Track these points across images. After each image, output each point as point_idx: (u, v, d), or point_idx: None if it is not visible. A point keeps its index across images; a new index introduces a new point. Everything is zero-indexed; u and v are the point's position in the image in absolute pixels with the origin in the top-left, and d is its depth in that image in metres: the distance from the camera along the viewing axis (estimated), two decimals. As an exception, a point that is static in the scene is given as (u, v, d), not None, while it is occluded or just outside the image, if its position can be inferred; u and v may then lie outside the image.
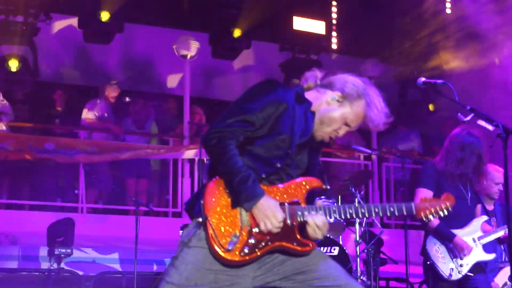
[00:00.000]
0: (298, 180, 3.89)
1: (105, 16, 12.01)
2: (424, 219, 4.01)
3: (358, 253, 7.95)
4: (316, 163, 4.10)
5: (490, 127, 4.71)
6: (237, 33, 12.95)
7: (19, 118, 11.65)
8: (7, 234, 9.73)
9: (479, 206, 6.66)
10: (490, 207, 7.33)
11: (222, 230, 3.70)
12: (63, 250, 8.53)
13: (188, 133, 12.27)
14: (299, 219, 3.80)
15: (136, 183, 11.63)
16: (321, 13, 13.46)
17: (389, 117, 4.04)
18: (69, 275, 8.63)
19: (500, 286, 7.14)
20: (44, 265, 8.93)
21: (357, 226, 8.04)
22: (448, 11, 12.75)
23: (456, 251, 6.35)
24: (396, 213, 3.93)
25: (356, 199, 8.12)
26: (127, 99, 12.93)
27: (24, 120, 12.00)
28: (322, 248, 7.67)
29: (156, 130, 12.34)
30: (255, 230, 3.73)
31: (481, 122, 4.83)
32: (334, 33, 13.64)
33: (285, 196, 3.83)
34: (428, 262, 6.40)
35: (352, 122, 3.99)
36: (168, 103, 13.43)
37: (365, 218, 8.22)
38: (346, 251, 7.79)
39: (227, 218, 3.73)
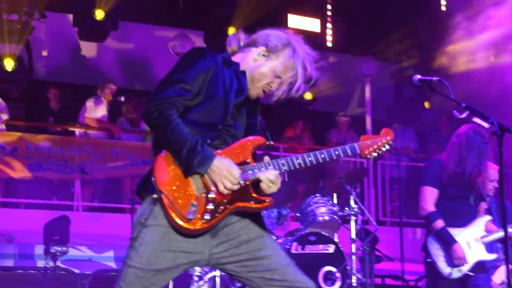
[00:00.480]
0: (242, 140, 3.88)
1: (99, 14, 12.00)
2: (368, 156, 4.01)
3: (353, 251, 7.95)
4: (256, 122, 4.08)
5: (485, 125, 4.73)
6: (231, 31, 12.94)
7: (14, 117, 11.64)
8: (3, 232, 9.73)
9: (482, 204, 6.64)
10: (485, 205, 7.34)
11: (179, 201, 3.66)
12: (59, 248, 8.52)
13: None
14: (251, 178, 3.78)
15: (131, 181, 11.63)
16: (316, 10, 13.48)
17: (317, 61, 4.05)
18: (65, 273, 8.63)
19: (498, 283, 7.15)
20: (40, 263, 8.94)
21: (352, 223, 8.03)
22: (443, 8, 12.73)
23: (452, 257, 6.34)
24: (342, 155, 3.92)
25: (352, 197, 8.12)
26: (122, 98, 12.91)
27: (19, 118, 12.00)
28: (318, 246, 7.69)
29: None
30: (211, 195, 3.70)
31: (477, 120, 4.85)
32: (329, 31, 13.66)
33: (232, 157, 3.80)
34: (429, 260, 6.39)
35: (282, 73, 3.99)
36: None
37: (360, 216, 8.24)
38: (341, 248, 7.79)
39: (181, 189, 3.69)
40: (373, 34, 13.65)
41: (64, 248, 8.56)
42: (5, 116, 11.09)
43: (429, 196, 6.44)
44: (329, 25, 13.59)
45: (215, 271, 7.46)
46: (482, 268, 6.43)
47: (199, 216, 3.67)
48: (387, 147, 4.04)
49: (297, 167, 3.87)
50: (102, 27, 12.39)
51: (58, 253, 8.53)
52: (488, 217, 6.54)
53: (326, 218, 7.95)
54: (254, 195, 3.79)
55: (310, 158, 3.88)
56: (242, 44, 4.10)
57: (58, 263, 8.59)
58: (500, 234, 6.48)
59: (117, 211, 11.42)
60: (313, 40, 13.43)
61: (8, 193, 11.39)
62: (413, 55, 13.64)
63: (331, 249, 7.75)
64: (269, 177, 3.78)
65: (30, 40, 12.43)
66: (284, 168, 3.84)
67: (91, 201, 11.70)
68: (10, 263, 9.22)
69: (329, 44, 13.70)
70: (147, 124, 3.77)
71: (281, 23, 12.93)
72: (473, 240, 6.41)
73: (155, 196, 3.68)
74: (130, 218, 8.47)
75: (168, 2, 13.54)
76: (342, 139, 12.85)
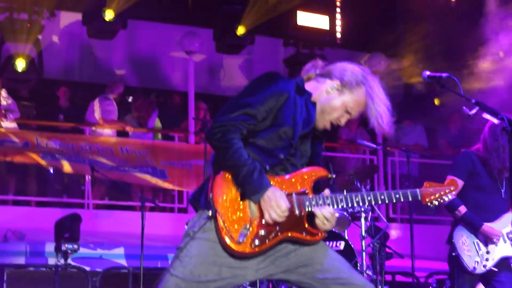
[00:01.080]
0: (304, 170, 3.92)
1: (109, 14, 12.01)
2: (429, 204, 4.00)
3: (363, 248, 7.95)
4: (320, 152, 4.12)
5: (495, 121, 4.71)
6: (241, 30, 12.95)
7: (24, 116, 11.68)
8: (14, 230, 9.76)
9: None
10: None
11: (232, 223, 3.72)
12: (70, 246, 8.55)
13: (193, 129, 12.30)
14: (307, 209, 3.82)
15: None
16: (325, 7, 13.46)
17: (390, 108, 4.00)
18: (76, 271, 8.66)
19: None
20: (51, 260, 8.97)
21: (362, 220, 8.03)
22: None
23: (484, 239, 6.24)
24: (402, 199, 3.94)
25: (361, 193, 8.11)
26: (130, 99, 12.92)
27: (29, 117, 12.04)
28: (328, 243, 7.69)
29: (160, 126, 12.35)
30: (263, 222, 3.75)
31: (486, 116, 4.83)
32: (338, 28, 13.64)
33: (292, 186, 3.84)
34: (454, 254, 6.32)
35: (353, 109, 4.00)
36: (173, 99, 13.46)
37: (370, 213, 8.23)
38: (352, 245, 7.79)
39: (236, 211, 3.74)
40: (383, 30, 13.62)
41: (75, 246, 8.59)
42: (15, 115, 11.12)
43: None
44: (338, 22, 13.56)
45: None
46: (506, 266, 6.32)
47: (249, 240, 3.73)
48: (450, 197, 4.02)
49: (355, 205, 3.92)
50: (111, 26, 12.40)
51: (69, 251, 8.56)
52: None
53: (336, 215, 7.95)
54: (306, 226, 3.83)
55: (369, 198, 3.91)
56: (318, 72, 4.10)
57: (69, 261, 8.62)
58: None
59: (128, 209, 11.44)
60: (322, 37, 13.45)
61: (19, 191, 11.43)
62: (423, 51, 13.60)
63: (341, 246, 7.76)
64: (325, 213, 3.82)
65: (40, 39, 12.45)
66: (342, 204, 3.89)
67: (102, 199, 11.73)
68: (21, 260, 9.26)
69: (338, 41, 13.67)
70: (209, 143, 3.81)
71: (290, 20, 12.92)
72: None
73: (209, 213, 3.72)
74: (140, 215, 8.47)
75: (177, 0, 13.54)
76: (351, 136, 12.83)
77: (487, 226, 6.23)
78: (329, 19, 13.37)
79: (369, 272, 7.85)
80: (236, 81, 14.92)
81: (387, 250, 8.75)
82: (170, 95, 13.75)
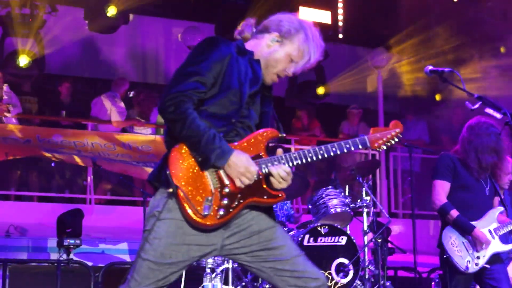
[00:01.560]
0: (256, 133, 3.91)
1: (112, 10, 12.01)
2: (378, 149, 4.06)
3: (366, 243, 7.95)
4: (270, 111, 4.10)
5: (498, 115, 4.72)
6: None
7: (26, 111, 11.68)
8: (16, 225, 9.77)
9: (496, 198, 6.62)
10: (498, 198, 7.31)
11: (195, 197, 3.69)
12: (72, 241, 8.54)
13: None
14: (264, 171, 3.81)
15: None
16: (327, 2, 13.44)
17: (324, 49, 4.10)
18: (78, 266, 8.66)
19: None
20: (53, 256, 8.97)
21: (365, 215, 8.04)
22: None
23: (475, 243, 6.32)
24: (352, 148, 3.96)
25: (364, 189, 8.11)
26: (131, 94, 12.92)
27: (32, 112, 12.05)
28: (330, 238, 7.70)
29: (162, 121, 12.33)
30: (226, 190, 3.74)
31: (489, 110, 4.83)
32: (340, 23, 13.62)
33: (246, 151, 3.81)
34: (445, 256, 6.36)
35: (296, 57, 4.02)
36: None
37: (372, 208, 8.23)
38: (354, 240, 7.80)
39: (196, 184, 3.71)
40: (385, 26, 13.61)
41: (77, 241, 8.59)
42: (17, 110, 11.12)
43: (441, 189, 6.43)
44: (340, 17, 13.55)
45: (227, 263, 7.49)
46: (498, 259, 6.38)
47: (214, 211, 3.70)
48: (396, 139, 4.10)
49: (309, 160, 3.90)
50: (114, 21, 12.40)
51: (71, 246, 8.56)
52: (500, 209, 6.51)
53: (338, 210, 7.96)
54: (267, 189, 3.82)
55: (321, 152, 3.91)
56: (254, 30, 4.11)
57: (71, 256, 8.62)
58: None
59: (130, 204, 11.44)
60: (324, 32, 13.40)
61: (21, 186, 11.44)
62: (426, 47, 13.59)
63: (343, 241, 7.76)
64: (281, 173, 3.81)
65: (42, 34, 12.45)
66: (297, 162, 3.87)
67: (104, 194, 11.73)
68: (23, 256, 9.25)
69: (340, 35, 13.65)
70: (163, 117, 3.77)
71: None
72: (487, 233, 6.39)
73: (170, 190, 3.68)
74: (143, 210, 8.49)
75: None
76: (353, 131, 12.82)
77: (478, 230, 6.28)
78: (331, 14, 13.35)
79: (371, 267, 7.85)
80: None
81: (389, 245, 8.74)
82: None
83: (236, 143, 3.83)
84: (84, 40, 13.60)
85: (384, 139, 4.04)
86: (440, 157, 6.64)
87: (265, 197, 3.82)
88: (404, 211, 12.84)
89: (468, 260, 6.27)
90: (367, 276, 7.76)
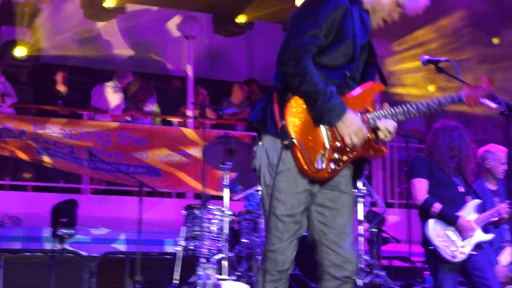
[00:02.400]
0: (364, 87, 4.03)
1: (110, 2, 11.97)
2: (472, 105, 4.13)
3: (361, 233, 7.93)
4: (374, 62, 4.18)
5: (493, 105, 4.69)
6: (240, 17, 12.93)
7: (23, 100, 11.63)
8: (10, 215, 9.74)
9: (469, 197, 6.79)
10: (494, 187, 7.40)
11: (310, 150, 3.81)
12: (67, 231, 8.52)
13: (192, 114, 12.25)
14: (371, 126, 3.96)
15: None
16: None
17: None
18: (72, 256, 8.63)
19: (504, 264, 7.15)
20: (48, 246, 8.94)
21: (360, 205, 8.01)
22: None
23: (461, 232, 6.44)
24: (450, 103, 4.08)
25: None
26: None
27: (28, 102, 12.00)
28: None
29: (159, 111, 12.30)
30: (338, 144, 3.86)
31: (485, 100, 4.80)
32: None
33: (356, 105, 3.95)
34: (430, 247, 6.46)
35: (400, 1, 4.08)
36: (172, 84, 13.40)
37: (368, 197, 8.22)
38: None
39: (311, 137, 3.83)
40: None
41: (72, 231, 8.57)
42: (13, 100, 11.07)
43: (421, 187, 6.66)
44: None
45: (222, 253, 7.47)
46: (480, 248, 6.55)
47: (327, 164, 3.84)
48: (488, 96, 4.18)
49: (412, 116, 4.04)
50: (110, 11, 12.36)
51: (65, 236, 8.53)
52: (477, 201, 6.70)
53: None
54: (373, 144, 3.98)
55: (423, 107, 4.03)
56: None
57: (66, 246, 8.60)
58: (492, 214, 6.67)
59: (125, 194, 11.41)
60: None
61: (15, 176, 11.40)
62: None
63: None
64: (388, 127, 3.96)
65: (38, 23, 12.38)
66: (400, 117, 4.01)
67: (99, 184, 11.69)
68: (17, 245, 9.24)
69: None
70: (282, 71, 3.85)
71: (289, 5, 12.81)
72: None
73: (286, 142, 3.79)
74: (138, 201, 8.44)
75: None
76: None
77: (463, 219, 6.50)
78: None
79: (366, 257, 7.84)
80: (236, 67, 14.86)
81: (384, 235, 8.75)
82: (170, 80, 13.69)
83: (347, 96, 3.94)
84: (80, 29, 13.53)
85: (479, 95, 4.12)
86: (415, 158, 6.92)
87: (371, 151, 4.00)
88: (400, 201, 12.82)
89: (453, 249, 6.40)
90: (362, 266, 7.75)
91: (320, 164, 3.81)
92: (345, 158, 3.90)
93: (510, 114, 4.68)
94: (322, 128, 3.84)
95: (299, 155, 3.79)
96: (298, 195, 3.88)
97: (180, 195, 11.82)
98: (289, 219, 3.89)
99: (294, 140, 3.77)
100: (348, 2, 3.96)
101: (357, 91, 4.00)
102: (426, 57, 4.89)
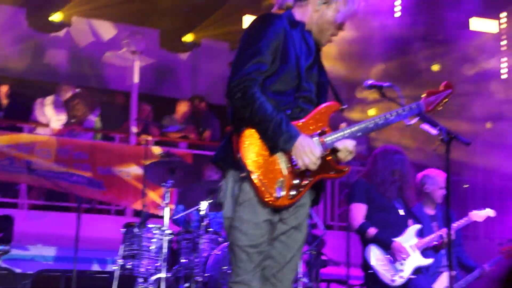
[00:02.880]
0: (318, 108, 4.02)
1: (57, 16, 11.82)
2: (432, 113, 4.21)
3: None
4: (327, 81, 4.19)
5: (433, 131, 4.72)
6: (188, 36, 12.91)
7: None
8: None
9: (410, 220, 6.88)
10: (432, 211, 7.47)
11: (268, 179, 3.80)
12: (1, 247, 8.35)
13: (135, 130, 12.15)
14: (330, 148, 3.94)
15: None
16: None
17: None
18: (5, 273, 8.45)
19: None
20: (-19, 262, 8.74)
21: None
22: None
23: (395, 255, 6.52)
24: (409, 114, 4.12)
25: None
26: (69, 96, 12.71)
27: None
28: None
29: (100, 126, 12.18)
30: (295, 169, 3.85)
31: (425, 126, 4.83)
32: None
33: (311, 128, 3.94)
34: (370, 271, 6.51)
35: (347, 11, 4.11)
36: (115, 99, 13.29)
37: (309, 219, 8.20)
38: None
39: (268, 166, 3.82)
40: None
41: (6, 247, 8.39)
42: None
43: (358, 212, 6.82)
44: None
45: (161, 273, 7.38)
46: (420, 272, 6.71)
47: (286, 191, 3.83)
48: (448, 98, 4.25)
49: (370, 131, 4.06)
50: (56, 24, 12.24)
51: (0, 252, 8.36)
52: (418, 226, 6.80)
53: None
54: (333, 164, 3.96)
55: (381, 122, 4.05)
56: None
57: (0, 263, 8.41)
58: (432, 240, 6.88)
59: (64, 210, 11.21)
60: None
61: None
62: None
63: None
64: (348, 147, 3.96)
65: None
66: (359, 134, 4.02)
67: (37, 199, 11.48)
68: (-51, 262, 9.01)
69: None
70: (232, 103, 3.85)
71: (236, 25, 12.81)
72: (408, 248, 6.61)
73: (243, 174, 3.79)
74: (76, 217, 8.29)
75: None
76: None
77: (396, 243, 6.65)
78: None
79: (305, 279, 7.81)
80: (181, 83, 14.80)
81: (323, 257, 8.74)
82: (113, 95, 13.58)
83: (301, 121, 3.93)
84: (24, 41, 13.35)
85: (438, 101, 4.19)
86: (354, 183, 7.06)
87: (332, 172, 3.97)
88: (340, 223, 12.87)
89: (392, 273, 6.53)
90: (300, 288, 7.73)
91: (279, 192, 3.81)
92: (305, 182, 3.90)
93: (450, 140, 4.71)
94: (279, 156, 3.85)
95: (257, 185, 3.79)
96: (260, 225, 3.87)
97: (119, 213, 11.68)
98: (252, 250, 3.88)
99: (252, 172, 3.78)
100: (288, 25, 3.99)
101: (312, 113, 4.00)
102: (370, 81, 4.89)
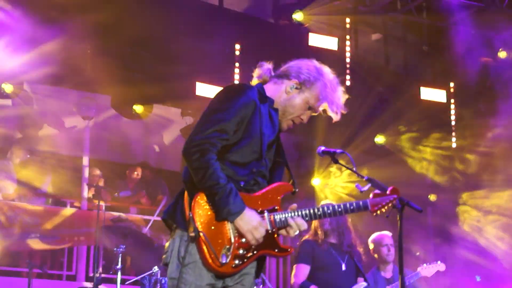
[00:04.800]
0: (272, 187, 4.08)
1: (7, 88, 11.78)
2: (378, 213, 4.30)
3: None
4: (282, 162, 4.26)
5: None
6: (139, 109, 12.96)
7: None
8: None
9: (360, 279, 6.99)
10: (388, 274, 7.55)
11: (215, 243, 3.82)
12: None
13: (86, 195, 12.11)
14: (278, 226, 3.99)
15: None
16: (225, 79, 13.54)
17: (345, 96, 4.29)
18: None
19: None
20: None
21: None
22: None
23: None
24: (355, 210, 4.21)
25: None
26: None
27: None
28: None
29: (52, 191, 12.12)
30: (243, 240, 3.88)
31: (378, 192, 4.95)
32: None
33: (263, 204, 3.99)
34: None
35: (314, 105, 4.19)
36: (67, 164, 13.23)
37: (261, 286, 8.24)
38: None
39: (216, 231, 3.84)
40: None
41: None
42: None
43: (300, 272, 7.08)
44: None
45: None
46: None
47: (231, 260, 3.86)
48: (392, 205, 4.37)
49: (318, 218, 4.14)
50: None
51: None
52: (364, 284, 6.88)
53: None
54: (278, 243, 4.02)
55: (329, 211, 4.12)
56: (273, 74, 4.26)
57: None
58: None
59: (14, 275, 11.05)
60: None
61: None
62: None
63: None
64: (300, 225, 4.03)
65: None
66: (307, 218, 4.08)
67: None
68: None
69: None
70: (186, 162, 3.87)
71: (189, 91, 12.89)
72: None
73: (192, 234, 3.80)
74: (27, 282, 8.22)
75: (76, 66, 13.39)
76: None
77: None
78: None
79: None
80: (133, 149, 14.80)
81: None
82: (65, 160, 13.51)
83: (255, 194, 3.99)
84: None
85: (383, 203, 4.28)
86: (301, 244, 7.24)
87: (276, 250, 4.02)
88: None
89: None
90: None
91: (225, 259, 3.84)
92: (249, 254, 3.93)
93: (402, 208, 4.84)
94: (229, 223, 3.88)
95: (204, 248, 3.82)
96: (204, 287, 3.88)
97: (71, 278, 11.55)
98: None
99: (201, 233, 3.80)
100: (258, 99, 4.05)
101: (266, 189, 4.08)
102: (323, 148, 5.00)
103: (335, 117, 4.28)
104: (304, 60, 4.32)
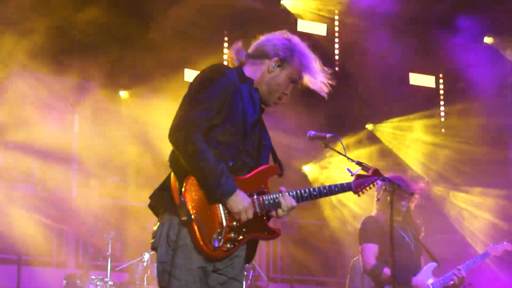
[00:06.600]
0: (260, 169, 4.11)
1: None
2: (360, 194, 4.39)
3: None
4: (267, 145, 4.29)
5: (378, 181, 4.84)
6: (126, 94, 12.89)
7: None
8: None
9: (422, 258, 6.85)
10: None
11: (207, 227, 3.82)
12: None
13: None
14: (266, 208, 4.03)
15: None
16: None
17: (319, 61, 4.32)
18: None
19: None
20: None
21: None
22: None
23: None
24: (340, 191, 4.31)
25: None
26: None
27: None
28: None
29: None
30: (234, 223, 3.90)
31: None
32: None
33: (252, 186, 4.03)
34: None
35: (297, 77, 4.25)
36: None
37: (252, 271, 8.25)
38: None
39: (208, 214, 3.85)
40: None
41: None
42: None
43: (369, 252, 6.69)
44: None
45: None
46: None
47: (223, 244, 3.88)
48: (373, 186, 4.47)
49: (305, 200, 4.18)
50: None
51: None
52: (434, 264, 6.74)
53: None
54: (267, 226, 4.08)
55: (315, 193, 4.20)
56: (248, 54, 4.27)
57: None
58: (449, 279, 6.75)
59: (3, 262, 11.01)
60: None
61: None
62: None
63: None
64: (289, 205, 4.09)
65: None
66: (295, 199, 4.14)
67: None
68: None
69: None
70: (173, 145, 3.87)
71: (178, 80, 12.89)
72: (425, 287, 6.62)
73: (184, 218, 3.79)
74: (17, 269, 8.20)
75: (62, 52, 13.31)
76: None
77: (416, 279, 6.59)
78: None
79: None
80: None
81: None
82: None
83: (243, 177, 4.01)
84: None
85: (366, 184, 4.38)
86: (364, 222, 6.87)
87: (265, 233, 4.07)
88: (282, 275, 12.88)
89: None
90: None
91: (217, 243, 3.85)
92: (240, 237, 3.95)
93: (393, 190, 4.85)
94: (220, 207, 3.89)
95: (197, 232, 3.81)
96: (193, 271, 3.88)
97: (60, 264, 11.52)
98: None
99: (193, 216, 3.79)
100: (238, 80, 4.07)
101: (254, 172, 4.10)
102: (313, 132, 4.99)
103: (320, 86, 4.30)
104: (274, 35, 4.33)
